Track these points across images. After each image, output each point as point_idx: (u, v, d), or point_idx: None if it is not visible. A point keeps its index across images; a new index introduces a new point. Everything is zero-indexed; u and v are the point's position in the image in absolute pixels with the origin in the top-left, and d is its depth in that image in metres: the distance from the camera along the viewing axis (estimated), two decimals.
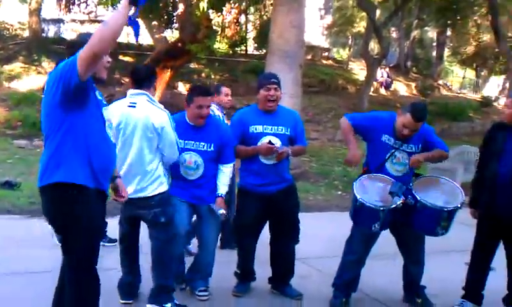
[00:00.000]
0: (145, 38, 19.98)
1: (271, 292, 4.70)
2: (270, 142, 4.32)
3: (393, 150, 4.29)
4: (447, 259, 5.77)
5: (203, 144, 4.24)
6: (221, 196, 4.29)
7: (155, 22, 16.96)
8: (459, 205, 4.12)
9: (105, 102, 3.19)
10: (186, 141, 4.22)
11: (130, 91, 4.03)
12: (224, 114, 5.69)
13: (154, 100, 4.06)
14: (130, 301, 4.19)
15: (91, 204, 2.96)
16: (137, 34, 3.21)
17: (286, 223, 4.58)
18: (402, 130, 4.18)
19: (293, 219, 4.63)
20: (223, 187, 4.33)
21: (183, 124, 4.24)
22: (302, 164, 10.87)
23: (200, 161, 4.23)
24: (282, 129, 4.44)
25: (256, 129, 4.41)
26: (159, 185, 3.99)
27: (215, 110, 5.38)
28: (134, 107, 3.94)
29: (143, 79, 4.05)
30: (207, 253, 4.42)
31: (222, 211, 4.22)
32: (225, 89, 5.88)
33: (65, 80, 2.76)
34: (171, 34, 19.02)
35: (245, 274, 4.69)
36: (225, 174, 4.35)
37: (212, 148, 4.25)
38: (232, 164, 4.42)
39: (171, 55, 14.73)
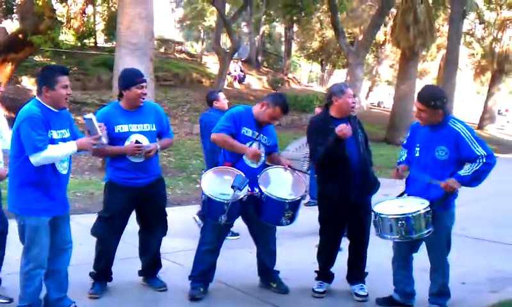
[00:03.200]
0: None
1: (143, 285, 4.65)
2: (137, 142, 4.22)
3: (251, 141, 4.45)
4: (297, 243, 6.08)
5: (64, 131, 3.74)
6: None
7: None
8: (301, 197, 4.34)
9: None
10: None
11: None
12: None
13: None
14: None
15: None
16: None
17: (154, 215, 4.52)
18: (270, 121, 4.52)
19: (161, 212, 4.59)
20: None
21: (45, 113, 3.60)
22: (160, 159, 10.72)
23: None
24: (148, 126, 4.35)
25: (122, 129, 4.26)
26: None
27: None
28: None
29: None
30: None
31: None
32: (221, 94, 6.44)
33: None
34: (11, 25, 17.61)
35: (102, 273, 4.47)
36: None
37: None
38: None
39: (12, 48, 13.68)
